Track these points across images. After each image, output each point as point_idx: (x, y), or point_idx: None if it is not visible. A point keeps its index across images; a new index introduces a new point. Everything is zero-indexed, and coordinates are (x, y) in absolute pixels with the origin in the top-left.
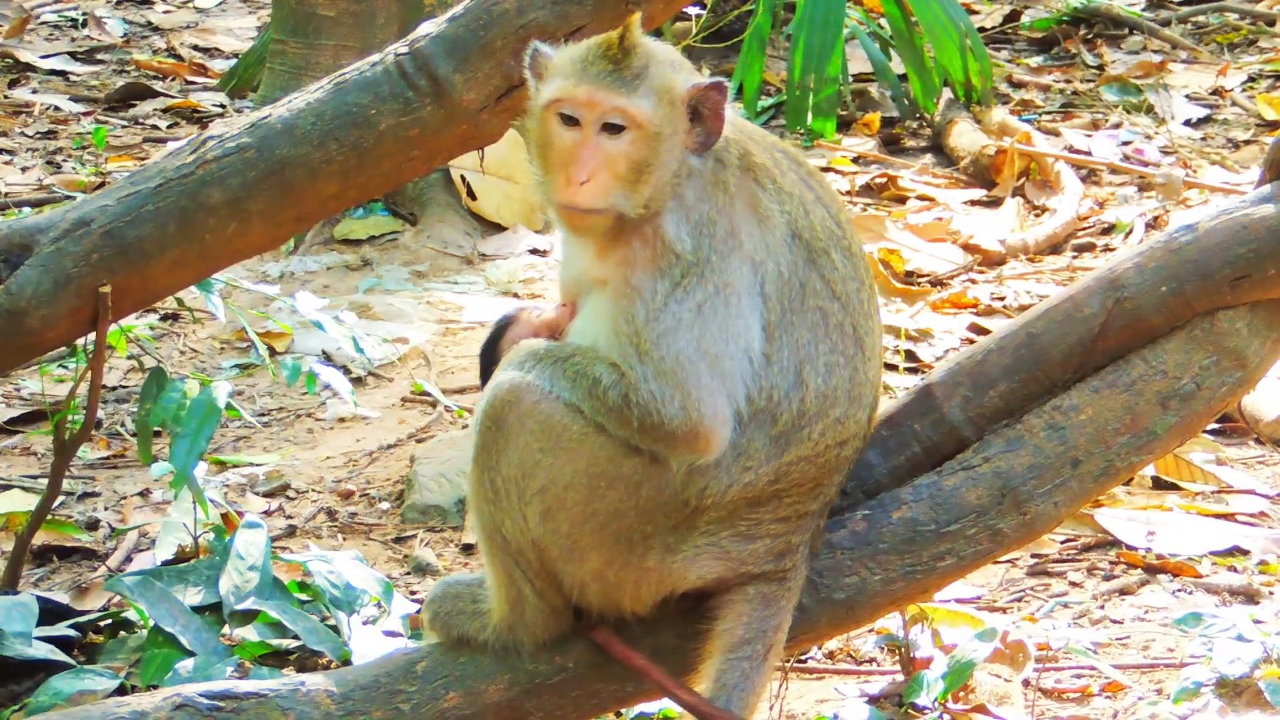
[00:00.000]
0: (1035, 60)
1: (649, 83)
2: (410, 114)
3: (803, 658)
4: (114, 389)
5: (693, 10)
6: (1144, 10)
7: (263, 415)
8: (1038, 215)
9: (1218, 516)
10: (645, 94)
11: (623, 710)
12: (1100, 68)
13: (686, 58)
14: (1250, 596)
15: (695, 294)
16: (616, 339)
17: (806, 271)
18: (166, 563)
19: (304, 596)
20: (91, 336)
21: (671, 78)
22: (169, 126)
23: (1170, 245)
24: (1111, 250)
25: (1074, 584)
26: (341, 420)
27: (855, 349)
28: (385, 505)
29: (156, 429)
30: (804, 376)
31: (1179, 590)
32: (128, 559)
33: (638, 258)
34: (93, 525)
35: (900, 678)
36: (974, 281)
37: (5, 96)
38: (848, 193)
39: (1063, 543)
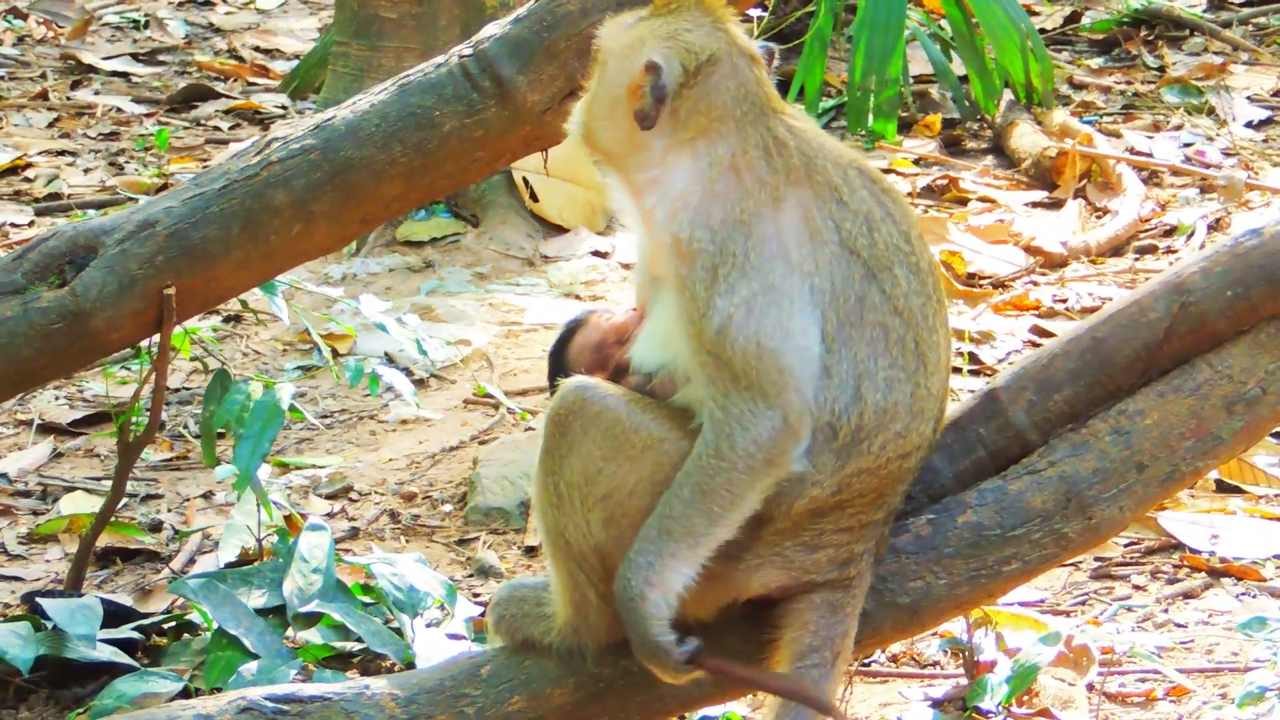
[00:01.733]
0: (1096, 62)
1: (632, 28)
2: (474, 116)
3: (866, 661)
4: (176, 391)
5: (754, 12)
6: (1205, 12)
7: (325, 417)
8: (1099, 217)
9: None
10: (617, 29)
11: (687, 714)
12: (1161, 69)
13: None
14: None
15: (739, 289)
16: (686, 341)
17: (864, 286)
18: (229, 565)
19: (367, 599)
20: (155, 338)
21: (646, 42)
22: (231, 128)
23: (1236, 250)
24: (1173, 252)
25: (1137, 587)
26: (404, 422)
27: (917, 364)
28: (448, 507)
29: (220, 431)
30: (862, 391)
31: (1243, 594)
32: (191, 561)
33: (668, 251)
34: (156, 527)
35: (964, 681)
36: (1036, 283)
37: (68, 98)
38: (909, 194)
39: (1126, 546)
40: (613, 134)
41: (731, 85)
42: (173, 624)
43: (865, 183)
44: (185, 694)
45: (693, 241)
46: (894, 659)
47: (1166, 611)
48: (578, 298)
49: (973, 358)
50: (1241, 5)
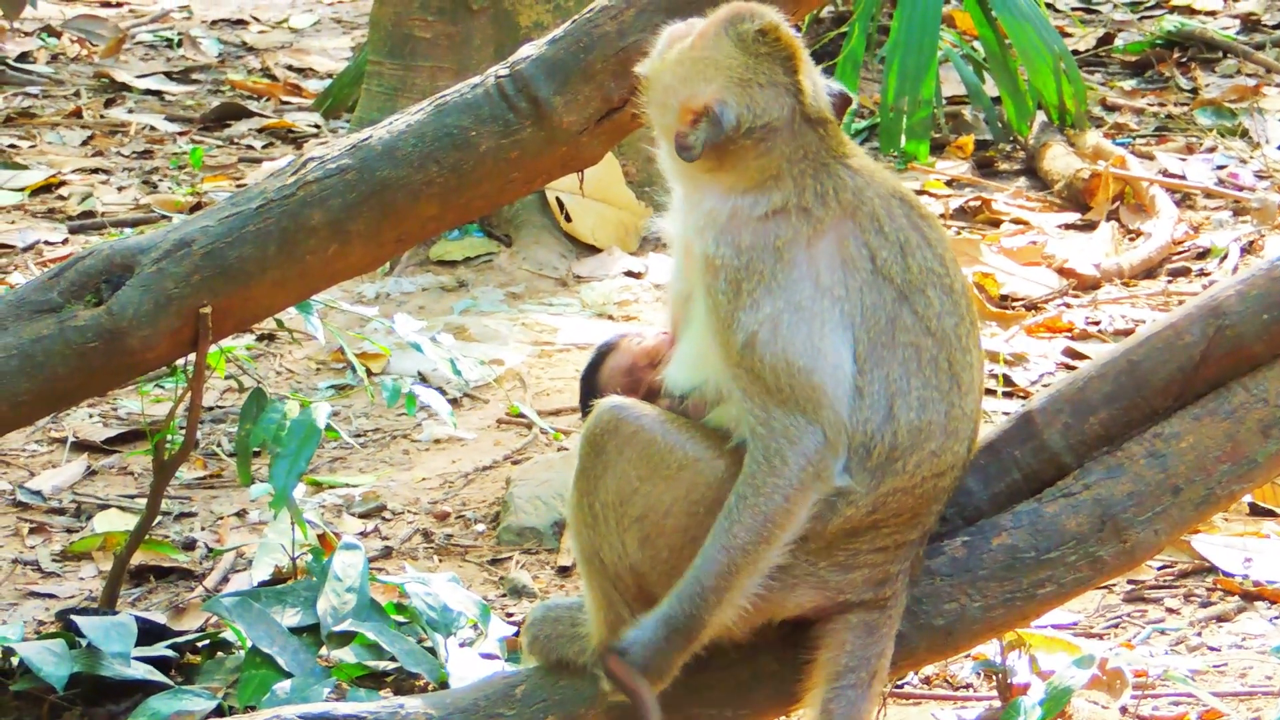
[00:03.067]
0: (1129, 84)
1: (727, 36)
2: (510, 136)
3: (900, 683)
4: (210, 409)
5: None
6: (1238, 34)
7: (359, 436)
8: (1132, 239)
9: None
10: (724, 21)
11: None
12: (1194, 91)
13: None
14: None
15: (763, 305)
16: (718, 357)
17: (896, 308)
18: (263, 583)
19: (401, 618)
20: (191, 357)
21: (722, 73)
22: (264, 146)
23: (1272, 272)
24: (1207, 275)
25: (1171, 611)
26: (437, 442)
27: (950, 384)
28: (481, 527)
29: (255, 449)
30: (895, 410)
31: (1276, 617)
32: (224, 579)
33: (699, 261)
34: (189, 545)
35: (997, 704)
36: (1069, 305)
37: (101, 116)
38: (941, 215)
39: (1159, 569)
40: (661, 122)
41: (786, 150)
42: (206, 642)
43: (905, 210)
44: (219, 712)
45: (718, 257)
46: (927, 681)
47: (1200, 635)
48: (611, 318)
49: (1006, 380)
50: (1275, 28)
